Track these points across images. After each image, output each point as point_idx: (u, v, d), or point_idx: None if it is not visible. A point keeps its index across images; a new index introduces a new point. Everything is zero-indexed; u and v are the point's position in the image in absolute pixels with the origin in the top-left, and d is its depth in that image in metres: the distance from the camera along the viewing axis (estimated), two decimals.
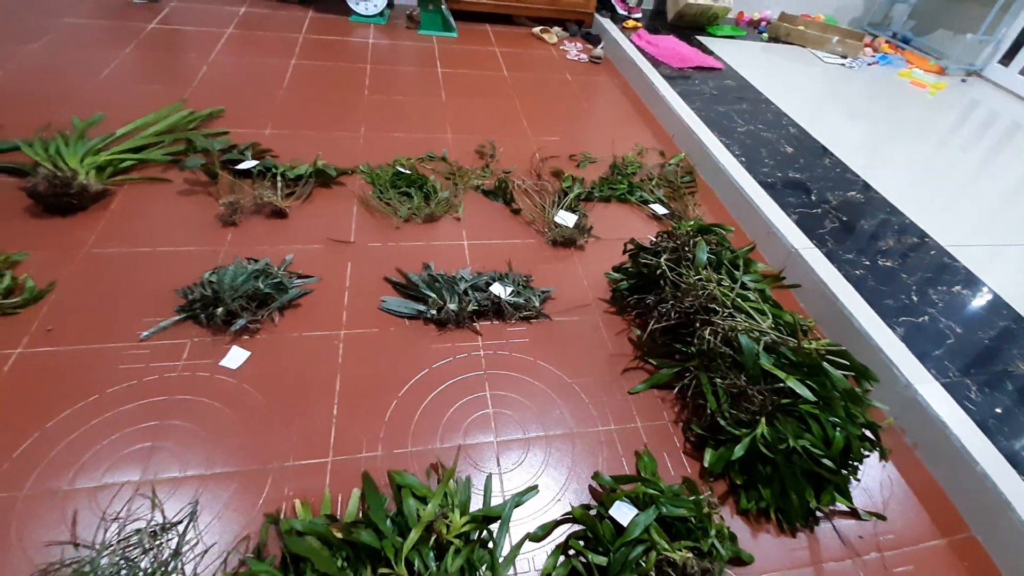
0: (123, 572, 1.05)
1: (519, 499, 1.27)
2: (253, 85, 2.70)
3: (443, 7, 3.59)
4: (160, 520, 1.14)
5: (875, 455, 1.36)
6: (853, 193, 2.44)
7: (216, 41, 3.05)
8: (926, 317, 1.80)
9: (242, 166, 2.01)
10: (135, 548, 1.09)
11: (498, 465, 1.35)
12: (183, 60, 2.81)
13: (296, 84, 2.77)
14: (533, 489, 1.30)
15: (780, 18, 4.43)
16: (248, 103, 2.52)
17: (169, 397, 1.34)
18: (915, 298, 1.87)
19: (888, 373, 1.58)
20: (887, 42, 4.58)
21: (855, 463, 1.31)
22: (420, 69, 3.18)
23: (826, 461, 1.27)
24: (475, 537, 1.17)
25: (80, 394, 1.31)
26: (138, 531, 1.12)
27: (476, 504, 1.24)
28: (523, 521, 1.25)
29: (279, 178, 1.99)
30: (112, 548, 1.08)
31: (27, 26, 2.82)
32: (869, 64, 4.15)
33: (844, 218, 2.25)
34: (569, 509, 1.27)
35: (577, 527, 1.24)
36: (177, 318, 1.51)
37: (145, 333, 1.46)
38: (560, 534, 1.24)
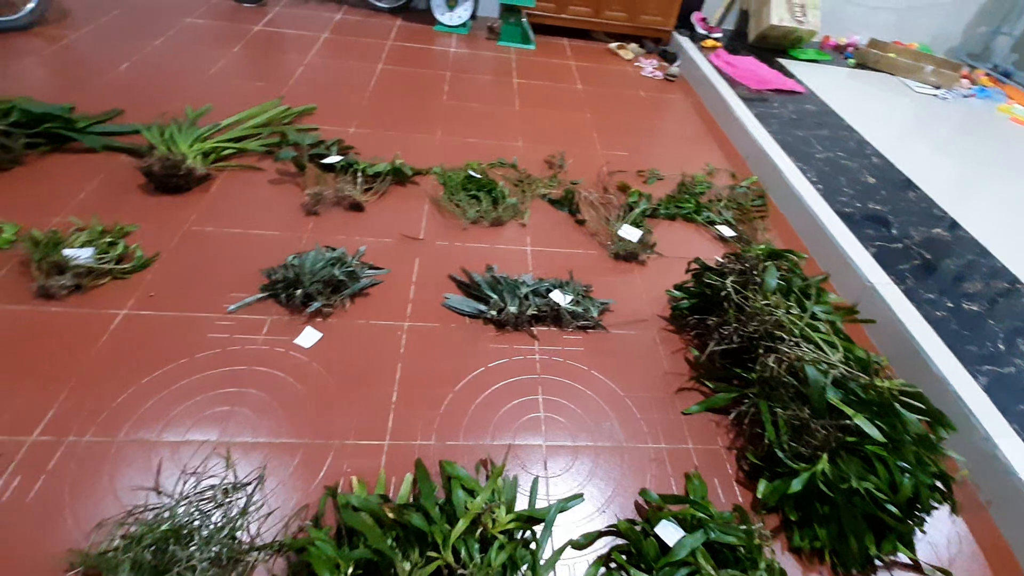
0: (196, 523, 1.14)
1: (564, 505, 1.28)
2: (343, 86, 2.87)
3: (524, 20, 3.69)
4: (232, 479, 1.24)
5: (945, 508, 1.28)
6: (939, 230, 2.31)
7: (313, 44, 3.27)
8: (1013, 368, 1.67)
9: (327, 160, 2.15)
10: (208, 502, 1.19)
11: (545, 469, 1.37)
12: (283, 60, 3.04)
13: (381, 87, 2.93)
14: (579, 497, 1.31)
15: (869, 44, 4.24)
16: (337, 102, 2.69)
17: (248, 367, 1.45)
18: (1002, 347, 1.74)
19: (966, 423, 1.48)
20: (986, 75, 4.29)
21: (922, 513, 1.24)
22: (497, 79, 3.28)
23: (891, 507, 1.21)
24: (519, 536, 1.19)
25: (173, 356, 1.44)
26: (212, 487, 1.21)
27: (521, 504, 1.27)
28: (566, 527, 1.26)
29: (359, 174, 2.11)
30: (189, 499, 1.18)
31: (153, 25, 3.14)
32: (965, 97, 3.90)
33: (927, 255, 2.13)
34: (613, 522, 1.27)
35: (620, 541, 1.24)
36: (260, 296, 1.63)
37: (232, 307, 1.59)
38: (602, 545, 1.24)
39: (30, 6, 2.78)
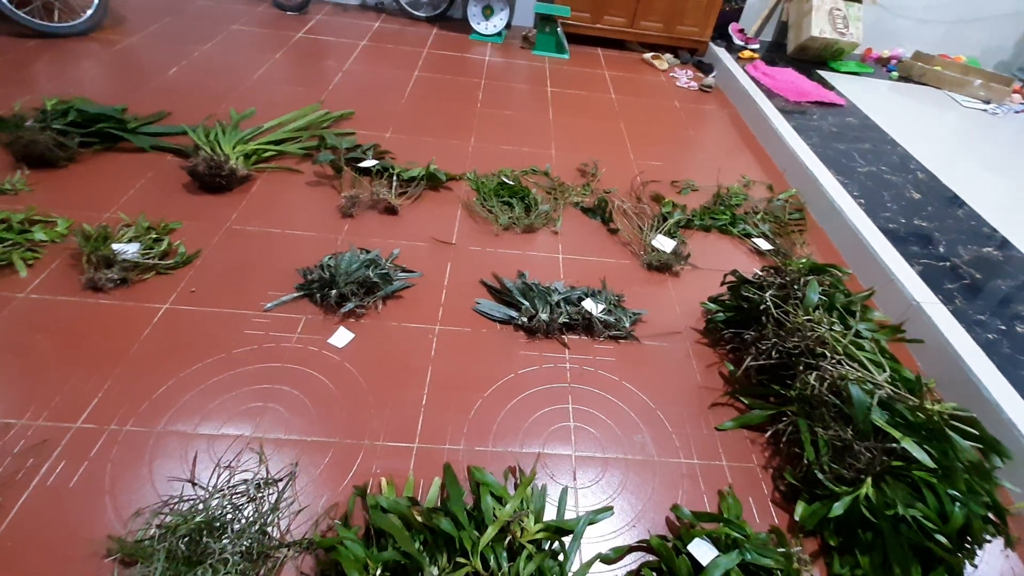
0: (228, 516, 1.16)
1: (594, 517, 1.25)
2: (380, 92, 2.93)
3: (559, 30, 3.70)
4: (264, 475, 1.25)
5: (999, 541, 1.21)
6: (989, 249, 2.21)
7: (352, 51, 3.34)
8: None
9: (363, 164, 2.18)
10: (241, 496, 1.20)
11: (574, 479, 1.34)
12: (323, 66, 3.11)
13: (417, 94, 2.97)
14: (608, 510, 1.28)
15: (914, 57, 4.13)
16: (374, 108, 2.74)
17: (282, 365, 1.47)
18: None
19: (1022, 452, 1.40)
20: None
21: (974, 546, 1.17)
22: (531, 87, 3.29)
23: (940, 537, 1.14)
24: (547, 547, 1.17)
25: (211, 351, 1.47)
26: (245, 482, 1.23)
27: (549, 514, 1.25)
28: (594, 540, 1.23)
29: (394, 178, 2.13)
30: (222, 492, 1.20)
31: (201, 31, 3.27)
32: (1017, 112, 3.75)
33: (977, 275, 2.04)
34: (642, 537, 1.24)
35: (650, 557, 1.21)
36: (296, 295, 1.66)
37: (268, 305, 1.62)
38: (632, 561, 1.21)
39: (89, 12, 2.92)
